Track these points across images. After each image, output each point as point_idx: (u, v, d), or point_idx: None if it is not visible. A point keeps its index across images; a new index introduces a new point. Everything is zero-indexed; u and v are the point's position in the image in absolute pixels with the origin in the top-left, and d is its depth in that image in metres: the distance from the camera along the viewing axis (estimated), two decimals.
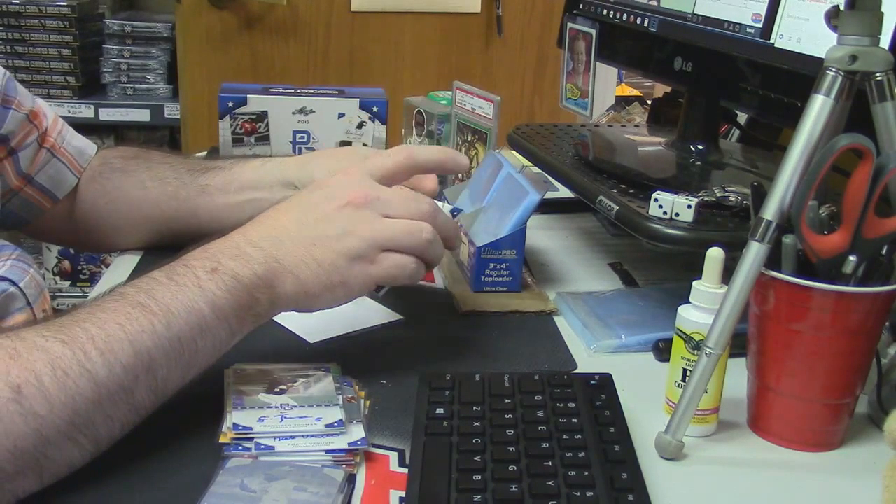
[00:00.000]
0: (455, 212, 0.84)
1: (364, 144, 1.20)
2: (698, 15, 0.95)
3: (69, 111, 2.27)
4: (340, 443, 0.65)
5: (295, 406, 0.68)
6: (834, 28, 0.66)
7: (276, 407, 0.68)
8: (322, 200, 0.73)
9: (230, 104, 1.19)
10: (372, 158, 0.78)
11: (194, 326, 0.65)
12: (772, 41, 0.85)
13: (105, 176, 1.00)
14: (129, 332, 0.62)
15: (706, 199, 0.85)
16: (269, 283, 0.69)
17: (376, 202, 0.72)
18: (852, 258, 0.66)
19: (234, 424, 0.65)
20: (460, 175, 1.16)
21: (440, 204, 0.80)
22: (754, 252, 0.66)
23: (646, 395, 0.75)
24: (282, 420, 0.67)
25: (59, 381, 0.58)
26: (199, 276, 0.66)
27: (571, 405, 0.68)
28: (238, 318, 0.67)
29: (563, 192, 1.08)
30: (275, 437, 0.65)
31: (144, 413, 0.63)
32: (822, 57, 0.66)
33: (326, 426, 0.66)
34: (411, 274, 0.74)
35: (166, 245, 0.98)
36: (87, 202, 1.00)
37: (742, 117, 1.20)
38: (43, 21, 2.28)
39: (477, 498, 0.58)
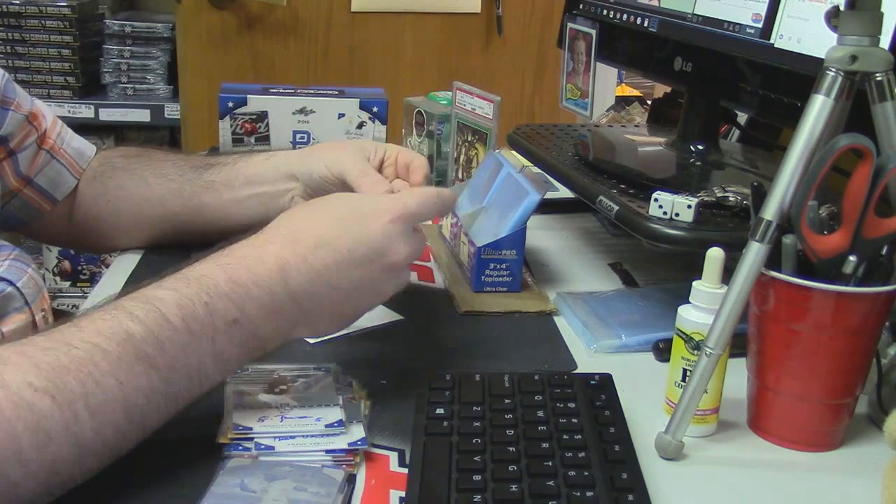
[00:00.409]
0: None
1: None
2: (698, 15, 0.95)
3: (69, 111, 2.26)
4: (340, 443, 0.65)
5: (295, 406, 0.68)
6: (834, 28, 0.66)
7: (276, 407, 0.68)
8: (376, 250, 0.70)
9: (230, 104, 1.19)
10: (421, 204, 0.74)
11: (193, 380, 0.62)
12: (772, 41, 0.85)
13: (107, 175, 1.00)
14: (126, 390, 0.58)
15: (706, 199, 0.85)
16: (286, 336, 0.68)
17: (410, 259, 0.73)
18: (852, 258, 0.66)
19: (234, 424, 0.65)
20: (460, 175, 1.16)
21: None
22: (754, 252, 0.66)
23: (646, 395, 0.75)
24: (282, 420, 0.67)
25: (40, 447, 0.54)
26: (217, 328, 0.62)
27: (571, 405, 0.68)
28: (240, 364, 0.67)
29: (563, 192, 1.08)
30: (275, 437, 0.65)
31: (124, 453, 0.60)
32: (822, 57, 0.66)
33: (326, 426, 0.66)
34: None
35: (168, 244, 0.99)
36: (87, 203, 0.99)
37: (742, 117, 1.20)
38: (43, 21, 2.27)
39: (477, 498, 0.58)
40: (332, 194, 0.78)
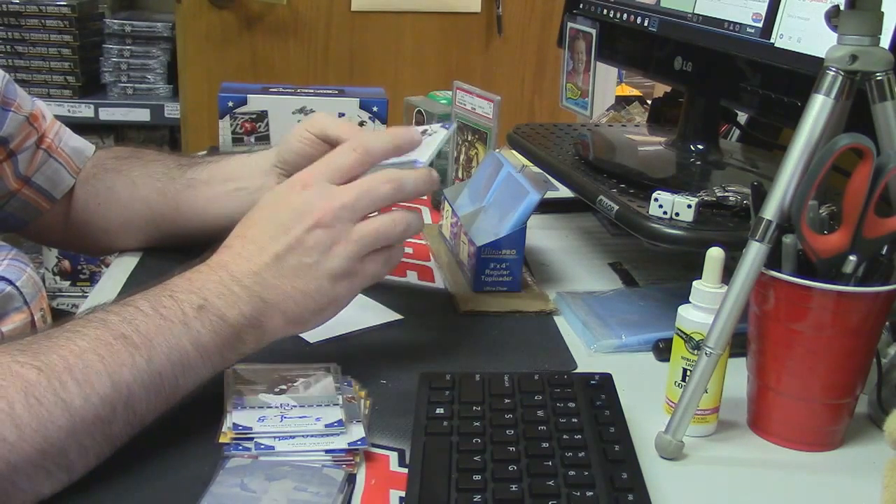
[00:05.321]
0: (418, 164, 0.78)
1: None
2: (698, 15, 0.95)
3: (69, 111, 2.26)
4: (340, 443, 0.65)
5: (295, 406, 0.68)
6: (834, 28, 0.66)
7: (276, 407, 0.68)
8: (291, 222, 0.70)
9: (230, 104, 1.19)
10: (328, 161, 0.74)
11: (176, 364, 0.64)
12: (772, 41, 0.85)
13: (98, 178, 0.99)
14: (109, 364, 0.60)
15: (706, 198, 0.85)
16: (257, 323, 0.69)
17: (342, 212, 0.71)
18: (852, 258, 0.66)
19: (234, 424, 0.65)
20: (460, 174, 1.16)
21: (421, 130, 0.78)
22: (754, 252, 0.66)
23: (646, 395, 0.75)
24: (282, 420, 0.67)
25: (32, 409, 0.57)
26: (186, 312, 0.65)
27: (571, 405, 0.68)
28: (222, 356, 0.67)
29: (563, 192, 1.08)
30: (275, 437, 0.65)
31: (120, 444, 0.62)
32: (823, 57, 0.66)
33: (326, 426, 0.66)
34: (395, 263, 0.75)
35: (160, 246, 0.98)
36: (80, 204, 0.99)
37: (742, 117, 1.20)
38: (43, 21, 2.28)
39: (477, 498, 0.58)
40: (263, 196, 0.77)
